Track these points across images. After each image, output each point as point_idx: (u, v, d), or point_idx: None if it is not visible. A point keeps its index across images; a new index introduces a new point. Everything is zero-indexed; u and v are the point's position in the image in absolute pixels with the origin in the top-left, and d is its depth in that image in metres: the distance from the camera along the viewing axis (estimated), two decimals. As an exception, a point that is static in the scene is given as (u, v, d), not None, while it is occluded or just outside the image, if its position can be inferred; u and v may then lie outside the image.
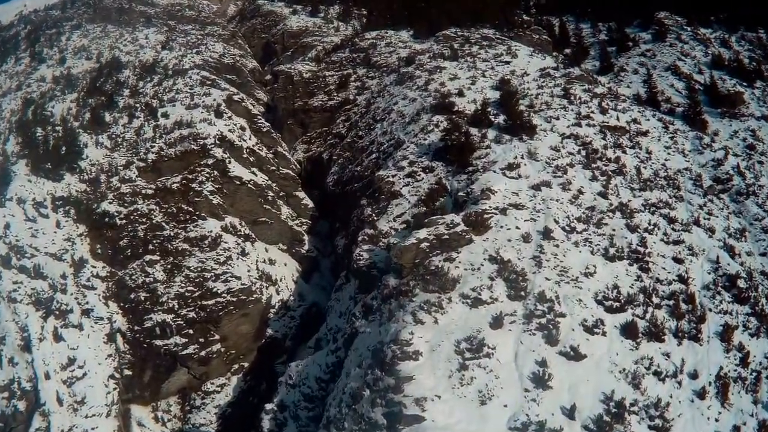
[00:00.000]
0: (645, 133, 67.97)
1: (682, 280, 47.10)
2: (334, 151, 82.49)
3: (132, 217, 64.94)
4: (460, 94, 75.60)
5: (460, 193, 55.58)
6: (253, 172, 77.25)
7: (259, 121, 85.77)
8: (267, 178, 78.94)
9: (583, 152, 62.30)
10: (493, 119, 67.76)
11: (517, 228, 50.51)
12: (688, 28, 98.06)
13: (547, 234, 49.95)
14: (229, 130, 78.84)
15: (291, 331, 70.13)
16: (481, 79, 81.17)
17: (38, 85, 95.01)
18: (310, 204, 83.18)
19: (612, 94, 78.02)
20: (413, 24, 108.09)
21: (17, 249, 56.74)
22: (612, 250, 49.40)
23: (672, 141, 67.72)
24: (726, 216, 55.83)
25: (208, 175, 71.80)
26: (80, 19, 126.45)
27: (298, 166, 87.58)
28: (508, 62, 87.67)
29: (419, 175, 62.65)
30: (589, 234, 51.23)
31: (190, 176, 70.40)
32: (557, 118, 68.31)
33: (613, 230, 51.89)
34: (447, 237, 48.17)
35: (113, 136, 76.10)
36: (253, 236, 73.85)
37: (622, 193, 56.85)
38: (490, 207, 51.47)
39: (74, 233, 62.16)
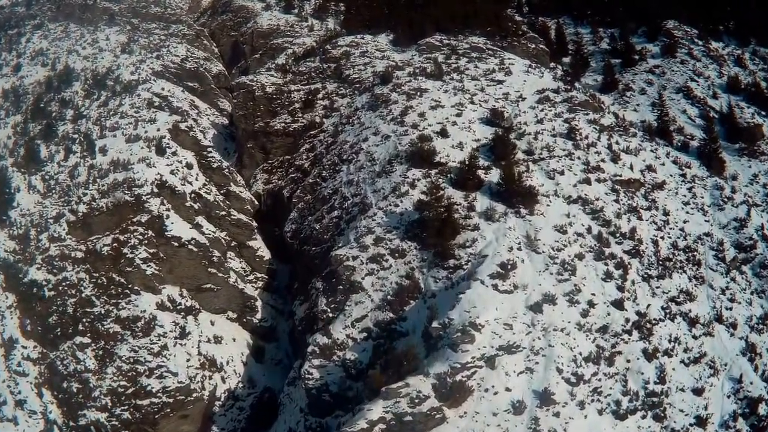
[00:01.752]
0: (661, 186, 54.15)
1: (700, 421, 37.45)
2: (296, 190, 64.98)
3: (61, 288, 53.91)
4: (443, 133, 57.79)
5: (435, 324, 38.52)
6: (197, 225, 61.08)
7: (209, 154, 68.55)
8: (215, 229, 62.60)
9: (595, 229, 47.12)
10: (483, 176, 51.21)
11: (507, 390, 35.12)
12: (700, 42, 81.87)
13: (546, 398, 34.69)
14: (171, 172, 63.24)
15: (240, 424, 54.56)
16: (469, 107, 63.41)
17: None
18: (267, 255, 66.43)
19: (620, 126, 62.24)
20: (394, 27, 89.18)
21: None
22: (625, 401, 36.54)
23: (690, 194, 54.57)
24: (749, 300, 45.96)
25: (141, 237, 57.36)
26: (43, 17, 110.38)
27: (256, 201, 70.35)
28: (500, 81, 69.78)
29: (386, 260, 46.09)
30: (599, 380, 37.12)
31: (122, 237, 57.20)
32: (561, 172, 52.52)
33: (628, 363, 38.66)
34: (410, 418, 31.77)
35: (47, 177, 64.16)
36: (197, 306, 58.08)
37: (640, 292, 43.54)
38: (473, 358, 34.93)
39: (3, 304, 51.82)
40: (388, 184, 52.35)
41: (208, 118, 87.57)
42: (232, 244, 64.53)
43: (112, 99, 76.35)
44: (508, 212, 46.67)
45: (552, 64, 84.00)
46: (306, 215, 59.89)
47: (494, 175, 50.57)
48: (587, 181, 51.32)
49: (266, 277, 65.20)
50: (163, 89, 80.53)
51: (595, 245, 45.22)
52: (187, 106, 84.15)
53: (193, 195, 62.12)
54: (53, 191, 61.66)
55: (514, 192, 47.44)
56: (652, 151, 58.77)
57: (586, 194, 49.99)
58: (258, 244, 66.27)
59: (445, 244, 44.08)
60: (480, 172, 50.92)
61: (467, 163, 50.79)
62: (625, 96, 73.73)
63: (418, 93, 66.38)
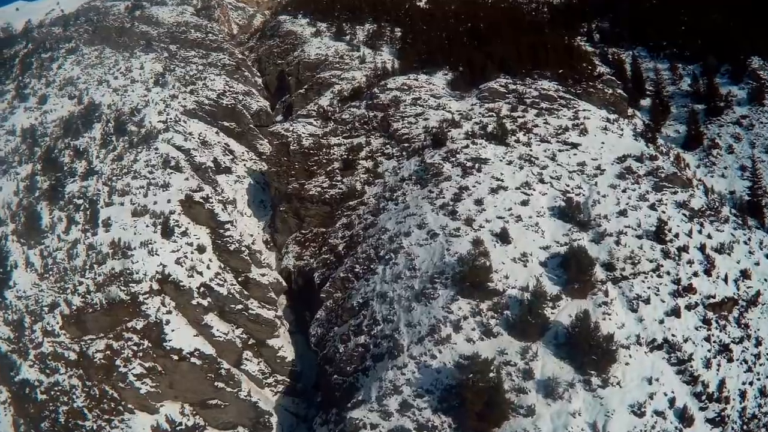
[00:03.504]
0: (755, 300, 43.20)
1: None
2: (327, 278, 53.78)
3: (53, 392, 46.25)
4: (503, 236, 45.27)
5: None
6: (205, 326, 50.69)
7: (226, 233, 57.61)
8: (227, 329, 52.08)
9: (680, 398, 35.58)
10: (549, 314, 38.83)
11: None
12: (787, 83, 71.67)
13: None
14: (178, 260, 53.03)
15: None
16: (537, 188, 51.31)
17: (6, 141, 75.20)
18: (289, 356, 55.49)
19: (711, 208, 51.52)
20: (453, 65, 76.99)
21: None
22: None
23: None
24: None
25: (136, 348, 48.06)
26: (78, 40, 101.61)
27: (284, 282, 60.33)
28: (575, 145, 57.58)
29: (413, 437, 34.27)
30: None
31: (116, 344, 48.17)
32: (647, 300, 40.55)
33: None
34: None
35: (45, 252, 55.30)
36: (201, 424, 48.28)
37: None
38: None
39: None
40: (426, 318, 39.90)
41: (245, 164, 77.95)
42: (250, 342, 53.88)
43: (128, 151, 66.70)
44: (575, 381, 34.32)
45: (630, 111, 71.37)
46: (333, 321, 48.48)
47: (564, 312, 38.27)
48: (676, 313, 39.59)
49: (288, 380, 54.56)
50: (187, 138, 70.93)
51: (675, 428, 33.42)
52: (219, 152, 74.92)
53: (202, 290, 51.56)
54: (50, 272, 53.00)
55: (584, 346, 35.17)
56: (745, 243, 48.28)
57: (673, 335, 38.36)
58: (280, 342, 55.17)
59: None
60: (546, 307, 38.87)
61: (530, 297, 38.57)
62: (711, 155, 64.54)
63: (477, 165, 54.27)
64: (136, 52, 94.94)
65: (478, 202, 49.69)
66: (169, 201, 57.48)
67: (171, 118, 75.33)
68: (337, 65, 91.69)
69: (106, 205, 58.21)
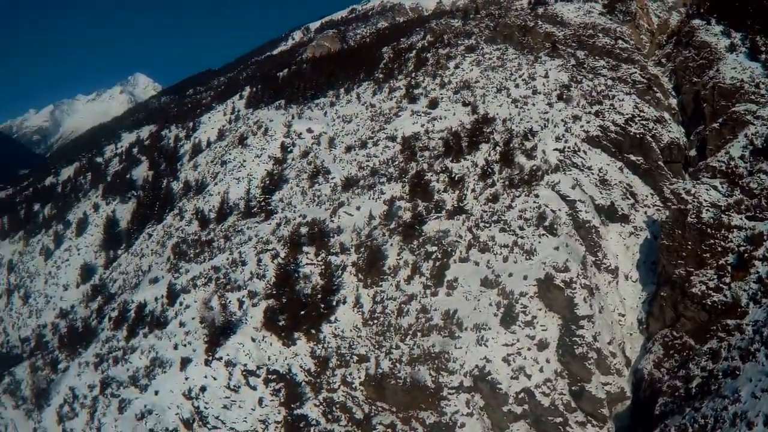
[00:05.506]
0: None
1: None
2: (664, 414, 44.60)
3: None
4: None
5: None
6: (504, 432, 45.96)
7: (579, 330, 49.63)
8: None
9: None
10: None
11: None
12: None
13: None
14: (506, 357, 47.83)
15: None
16: None
17: (384, 148, 77.47)
18: None
19: None
20: None
21: (201, 416, 44.93)
22: None
23: None
24: None
25: None
26: (479, 37, 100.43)
27: (628, 391, 51.80)
28: None
29: None
30: None
31: (400, 427, 45.90)
32: None
33: None
34: None
35: (378, 298, 53.29)
36: None
37: None
38: None
39: (272, 418, 45.89)
40: None
41: (646, 212, 66.04)
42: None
43: (506, 192, 60.85)
44: None
45: None
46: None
47: None
48: None
49: None
50: (575, 184, 61.63)
51: None
52: (618, 195, 65.52)
53: (521, 395, 46.49)
54: (375, 321, 51.65)
55: None
56: None
57: None
58: None
59: None
60: None
61: None
62: None
63: None
64: (541, 56, 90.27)
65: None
66: (525, 278, 51.16)
67: (569, 147, 68.30)
68: (752, 97, 74.88)
69: (460, 260, 54.30)
